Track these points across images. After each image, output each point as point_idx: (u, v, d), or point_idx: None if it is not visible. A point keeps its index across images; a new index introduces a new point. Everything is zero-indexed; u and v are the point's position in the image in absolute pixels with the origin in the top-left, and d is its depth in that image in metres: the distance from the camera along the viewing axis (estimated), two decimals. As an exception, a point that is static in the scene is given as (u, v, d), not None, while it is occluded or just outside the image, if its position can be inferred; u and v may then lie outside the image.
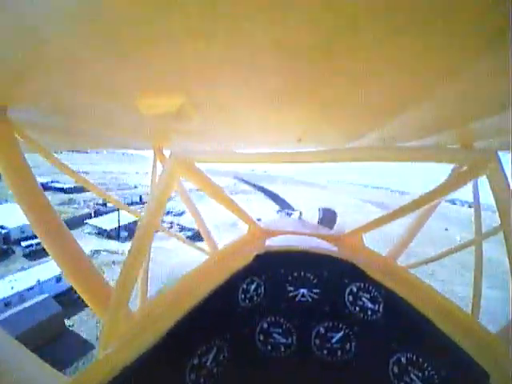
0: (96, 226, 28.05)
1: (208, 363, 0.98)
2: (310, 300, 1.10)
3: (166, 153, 2.08)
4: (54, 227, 1.01)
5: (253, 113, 1.15)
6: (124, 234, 27.84)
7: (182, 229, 27.18)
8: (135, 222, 25.72)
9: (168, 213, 31.70)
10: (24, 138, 1.05)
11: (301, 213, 2.52)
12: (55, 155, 1.17)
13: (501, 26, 0.46)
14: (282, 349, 1.10)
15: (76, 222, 28.02)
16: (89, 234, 27.35)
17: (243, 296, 1.11)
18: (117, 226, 27.70)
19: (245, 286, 1.12)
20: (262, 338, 1.10)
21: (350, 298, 1.06)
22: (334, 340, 1.06)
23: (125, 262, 0.90)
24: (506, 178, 0.84)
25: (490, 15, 0.45)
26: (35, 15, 0.47)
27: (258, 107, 1.06)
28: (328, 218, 2.09)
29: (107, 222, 28.77)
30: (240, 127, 1.43)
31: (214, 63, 0.65)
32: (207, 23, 0.48)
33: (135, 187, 50.68)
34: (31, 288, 16.09)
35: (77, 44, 0.57)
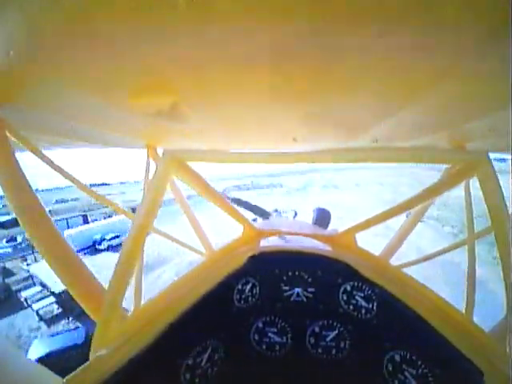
0: None
1: (203, 363, 0.98)
2: (304, 299, 1.11)
3: (160, 152, 2.06)
4: (44, 227, 0.99)
5: (247, 112, 1.15)
6: None
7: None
8: None
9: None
10: (15, 136, 1.03)
11: (295, 213, 2.53)
12: (45, 153, 1.16)
13: (498, 25, 0.47)
14: (277, 348, 1.10)
15: None
16: None
17: (238, 296, 1.11)
18: None
19: (240, 287, 1.12)
20: (257, 337, 1.11)
21: (344, 296, 1.07)
22: (328, 338, 1.07)
23: (117, 263, 0.89)
24: (497, 179, 0.85)
25: (487, 14, 0.45)
26: (28, 13, 0.47)
27: (252, 106, 1.05)
28: (322, 218, 2.09)
29: None
30: (234, 126, 1.42)
31: (208, 62, 0.65)
32: (200, 21, 0.48)
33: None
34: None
35: (69, 43, 0.56)
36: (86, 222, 31.38)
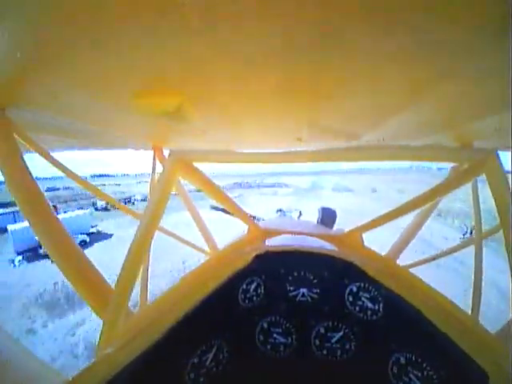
0: None
1: (207, 363, 0.98)
2: (309, 300, 1.10)
3: (166, 152, 2.08)
4: (52, 227, 1.01)
5: (252, 112, 1.15)
6: None
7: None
8: None
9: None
10: (23, 138, 1.05)
11: (300, 212, 2.52)
12: (53, 155, 1.17)
13: (500, 25, 0.46)
14: (282, 348, 1.10)
15: None
16: None
17: (243, 296, 1.11)
18: None
19: (245, 286, 1.11)
20: (261, 337, 1.10)
21: (350, 297, 1.06)
22: (333, 340, 1.07)
23: (124, 262, 0.90)
24: (506, 177, 0.84)
25: (489, 15, 0.45)
26: (33, 15, 0.47)
27: (257, 106, 1.06)
28: (328, 217, 2.08)
29: None
30: (239, 126, 1.42)
31: (213, 62, 0.65)
32: (205, 21, 0.48)
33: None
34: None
35: (75, 44, 0.57)
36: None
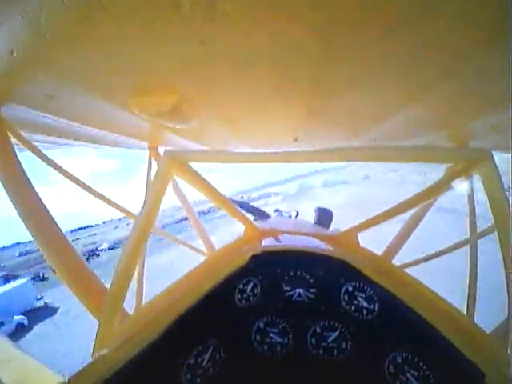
0: None
1: (204, 363, 0.97)
2: (306, 299, 1.10)
3: (162, 152, 2.07)
4: (46, 226, 1.00)
5: (249, 112, 1.15)
6: None
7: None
8: None
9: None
10: (17, 137, 1.04)
11: (297, 212, 2.53)
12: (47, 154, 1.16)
13: (499, 25, 0.47)
14: (279, 348, 1.09)
15: None
16: None
17: (240, 296, 1.11)
18: None
19: (241, 287, 1.11)
20: (258, 337, 1.10)
21: (346, 297, 1.07)
22: (329, 339, 1.07)
23: (119, 262, 0.89)
24: (500, 178, 0.85)
25: (489, 15, 0.45)
26: (29, 14, 0.47)
27: (254, 106, 1.06)
28: (324, 217, 2.09)
29: None
30: (236, 126, 1.42)
31: (210, 62, 0.65)
32: (202, 20, 0.48)
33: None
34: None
35: (70, 43, 0.56)
36: (7, 282, 22.46)
